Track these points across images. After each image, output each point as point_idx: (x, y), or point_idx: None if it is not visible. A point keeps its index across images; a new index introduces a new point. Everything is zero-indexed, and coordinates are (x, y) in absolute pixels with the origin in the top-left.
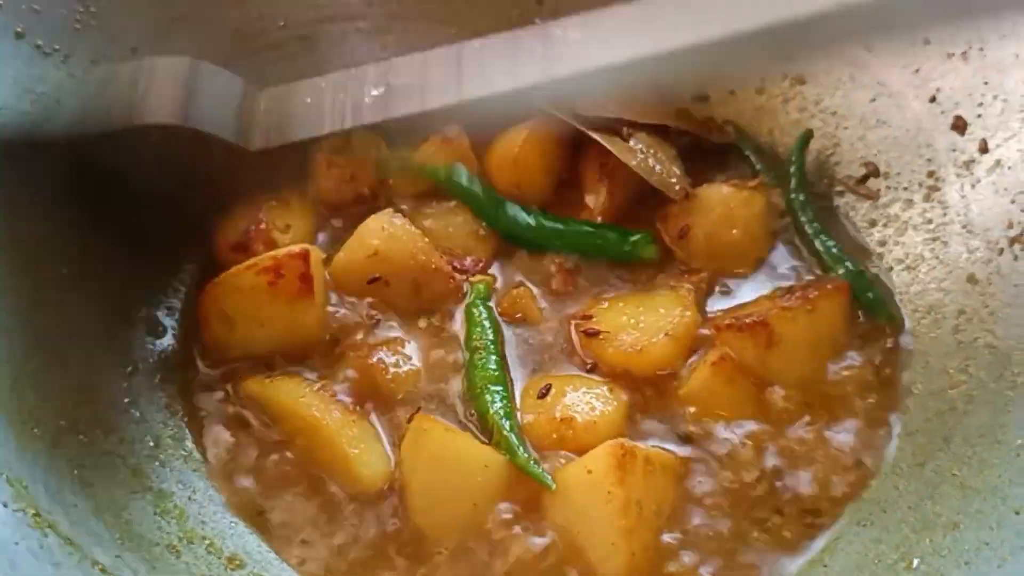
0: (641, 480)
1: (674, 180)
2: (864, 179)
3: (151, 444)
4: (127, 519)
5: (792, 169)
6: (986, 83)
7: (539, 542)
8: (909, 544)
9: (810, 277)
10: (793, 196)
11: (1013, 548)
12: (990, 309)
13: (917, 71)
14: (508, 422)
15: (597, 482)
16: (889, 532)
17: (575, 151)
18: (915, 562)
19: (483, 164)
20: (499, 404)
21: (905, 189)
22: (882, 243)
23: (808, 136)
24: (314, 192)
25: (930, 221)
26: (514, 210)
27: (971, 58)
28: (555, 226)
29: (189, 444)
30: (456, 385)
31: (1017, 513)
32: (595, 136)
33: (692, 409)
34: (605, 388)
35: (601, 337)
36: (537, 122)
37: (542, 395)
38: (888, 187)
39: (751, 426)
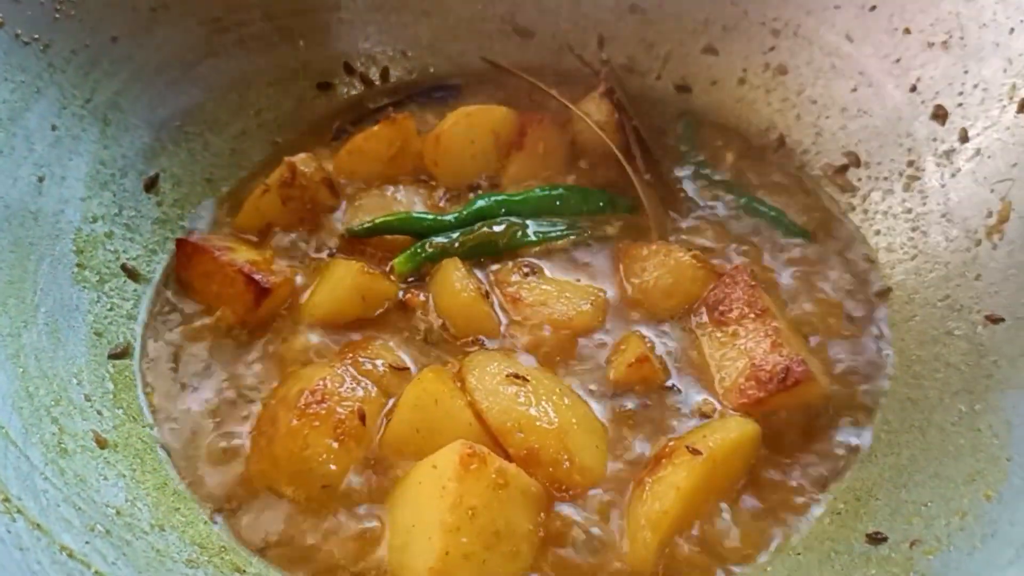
0: (484, 489)
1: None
2: (844, 169)
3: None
4: (99, 502)
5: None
6: (966, 72)
7: (368, 526)
8: (880, 531)
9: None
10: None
11: (984, 535)
12: (968, 298)
13: (898, 60)
14: None
15: (437, 476)
16: (862, 520)
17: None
18: (886, 549)
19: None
20: None
21: (885, 179)
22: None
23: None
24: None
25: (910, 211)
26: (479, 200)
27: (951, 47)
28: (532, 193)
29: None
30: None
31: (988, 500)
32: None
33: None
34: None
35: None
36: (487, 109)
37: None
38: (868, 176)
39: None
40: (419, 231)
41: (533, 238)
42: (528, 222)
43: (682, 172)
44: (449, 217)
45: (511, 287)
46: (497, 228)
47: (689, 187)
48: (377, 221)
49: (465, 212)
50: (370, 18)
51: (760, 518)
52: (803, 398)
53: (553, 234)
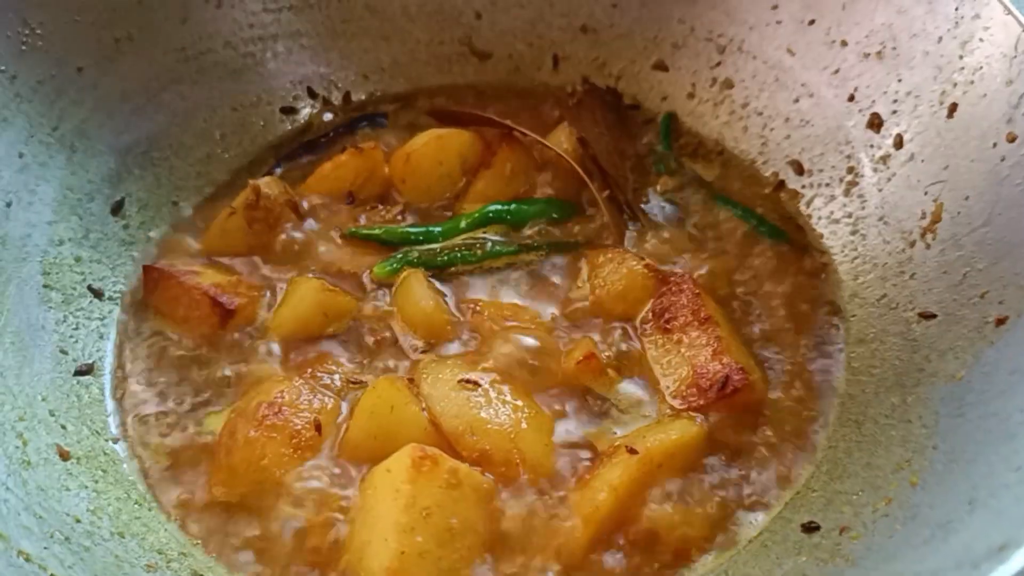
0: (437, 489)
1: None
2: (781, 185)
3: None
4: (60, 511)
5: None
6: (900, 80)
7: (329, 531)
8: (814, 521)
9: None
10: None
11: (905, 519)
12: (902, 297)
13: (836, 71)
14: None
15: (391, 480)
16: (798, 512)
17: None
18: (817, 538)
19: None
20: None
21: (827, 185)
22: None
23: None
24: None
25: (850, 215)
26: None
27: (885, 57)
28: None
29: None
30: None
31: (913, 486)
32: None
33: None
34: None
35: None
36: (456, 133)
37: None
38: (812, 183)
39: None
40: (413, 244)
41: (509, 248)
42: (494, 237)
43: (648, 191)
44: (436, 229)
45: (471, 298)
46: (474, 239)
47: (652, 197)
48: (376, 231)
49: (463, 224)
50: (331, 44)
51: (700, 515)
52: (744, 403)
53: (529, 244)
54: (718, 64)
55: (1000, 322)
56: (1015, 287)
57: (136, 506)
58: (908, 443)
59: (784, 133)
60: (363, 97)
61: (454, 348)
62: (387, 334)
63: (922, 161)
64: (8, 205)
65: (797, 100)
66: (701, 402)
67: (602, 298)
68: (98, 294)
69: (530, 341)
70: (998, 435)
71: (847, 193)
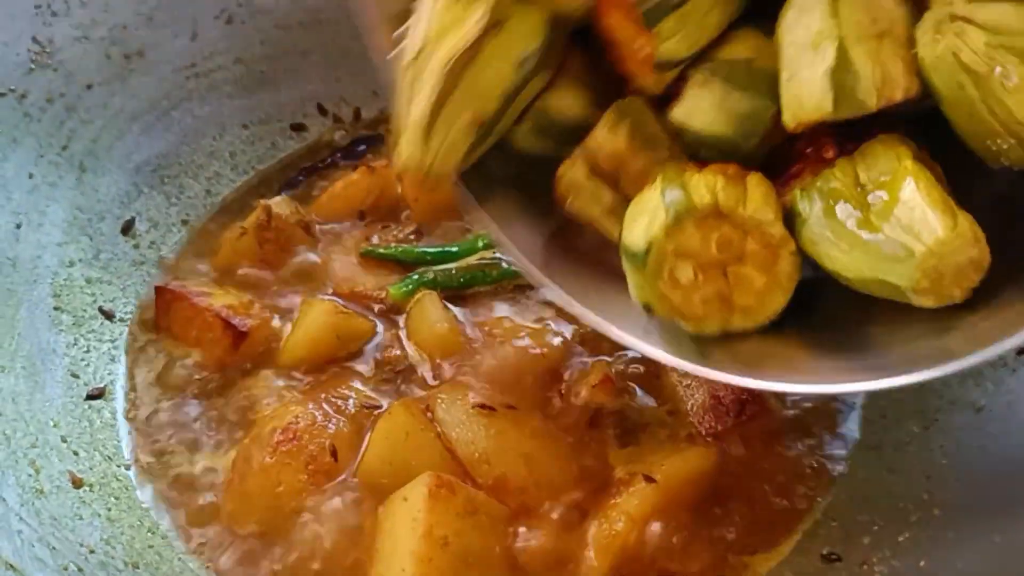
0: (454, 518)
1: None
2: None
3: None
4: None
5: None
6: None
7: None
8: (835, 552)
9: None
10: None
11: (928, 550)
12: None
13: None
14: None
15: (408, 508)
16: (817, 542)
17: None
18: (839, 567)
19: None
20: None
21: None
22: None
23: None
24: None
25: None
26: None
27: None
28: None
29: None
30: None
31: (934, 517)
32: None
33: None
34: None
35: None
36: None
37: None
38: None
39: None
40: (429, 264)
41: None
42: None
43: None
44: (453, 248)
45: (487, 320)
46: (490, 260)
47: None
48: (392, 251)
49: (480, 243)
50: (341, 60)
51: (718, 545)
52: (762, 429)
53: None
54: None
55: (1022, 351)
56: None
57: (149, 534)
58: (930, 472)
59: None
60: (374, 114)
61: (469, 371)
62: (402, 357)
63: None
64: (18, 227)
65: None
66: (718, 428)
67: None
68: (109, 316)
69: (545, 364)
70: (1020, 466)
71: None
